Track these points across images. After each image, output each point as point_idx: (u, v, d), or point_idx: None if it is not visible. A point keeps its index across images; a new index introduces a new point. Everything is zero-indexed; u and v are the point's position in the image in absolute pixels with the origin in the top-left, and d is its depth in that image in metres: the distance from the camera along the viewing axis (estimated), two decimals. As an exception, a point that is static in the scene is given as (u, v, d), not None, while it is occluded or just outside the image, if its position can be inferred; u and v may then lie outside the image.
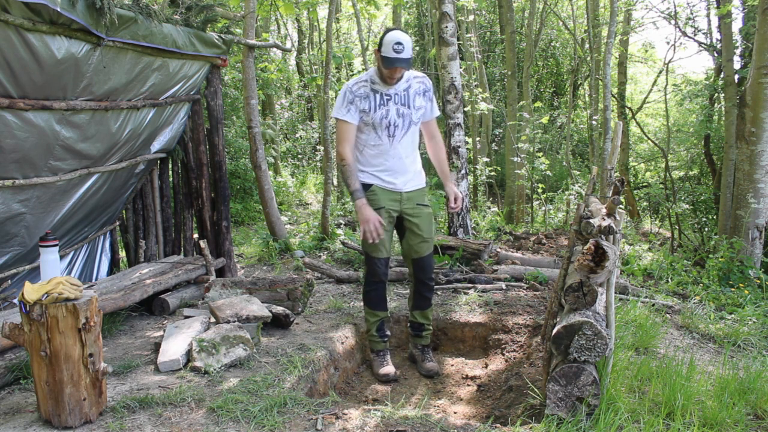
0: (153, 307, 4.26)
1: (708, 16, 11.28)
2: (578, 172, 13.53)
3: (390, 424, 2.40)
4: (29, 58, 2.95)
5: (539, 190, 10.88)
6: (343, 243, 6.46)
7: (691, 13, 11.12)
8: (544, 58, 17.59)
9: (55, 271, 3.31)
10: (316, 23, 15.90)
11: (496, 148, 15.45)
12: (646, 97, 13.43)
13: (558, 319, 2.56)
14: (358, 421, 2.43)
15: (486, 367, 3.64)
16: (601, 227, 2.37)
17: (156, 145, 4.70)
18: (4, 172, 3.30)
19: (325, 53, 7.82)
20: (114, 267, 5.11)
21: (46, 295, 2.32)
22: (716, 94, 10.78)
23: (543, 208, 10.84)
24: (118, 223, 5.09)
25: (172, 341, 3.25)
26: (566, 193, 10.59)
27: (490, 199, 12.84)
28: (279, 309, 3.78)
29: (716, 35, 10.59)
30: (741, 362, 3.18)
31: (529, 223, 10.75)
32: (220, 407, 2.54)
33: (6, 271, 3.87)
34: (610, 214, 2.47)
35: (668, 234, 10.88)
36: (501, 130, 14.49)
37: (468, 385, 3.44)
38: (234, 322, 3.36)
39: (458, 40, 8.00)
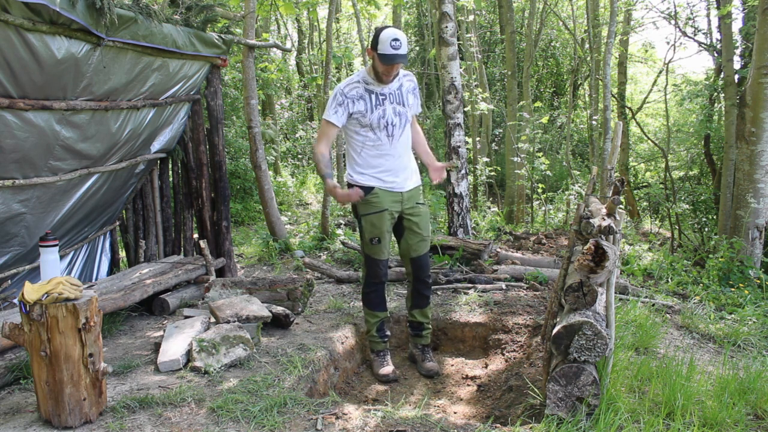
0: (153, 307, 4.26)
1: (708, 16, 11.30)
2: (578, 172, 13.53)
3: (390, 424, 2.40)
4: (29, 58, 2.95)
5: (539, 190, 10.88)
6: (343, 243, 6.46)
7: (691, 13, 11.13)
8: (544, 58, 17.59)
9: (55, 271, 3.31)
10: (316, 23, 15.92)
11: (496, 148, 15.45)
12: (646, 97, 13.43)
13: (558, 319, 2.56)
14: (358, 421, 2.43)
15: (486, 367, 3.64)
16: (601, 227, 2.37)
17: (156, 145, 4.70)
18: (4, 172, 3.30)
19: (325, 53, 7.83)
20: (114, 267, 5.11)
21: (46, 295, 2.32)
22: (716, 94, 10.78)
23: (543, 208, 10.84)
24: (118, 223, 5.09)
25: (172, 341, 3.25)
26: (566, 193, 10.59)
27: (490, 199, 12.84)
28: (279, 309, 3.78)
29: (716, 35, 10.60)
30: (741, 362, 3.18)
31: (529, 223, 10.75)
32: (220, 407, 2.54)
33: (6, 271, 3.87)
34: (610, 214, 2.47)
35: (668, 234, 10.88)
36: (501, 130, 14.50)
37: (468, 385, 3.44)
38: (234, 322, 3.36)
39: (458, 40, 8.00)
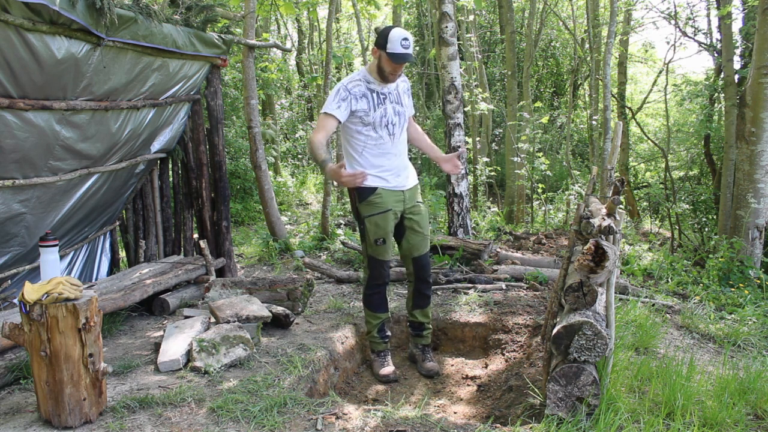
0: (153, 307, 4.26)
1: (708, 16, 11.30)
2: (578, 172, 13.53)
3: (390, 424, 2.40)
4: (29, 58, 2.95)
5: (539, 190, 10.88)
6: (343, 243, 6.46)
7: (691, 13, 11.13)
8: (544, 58, 17.59)
9: (55, 271, 3.31)
10: (316, 23, 15.92)
11: (496, 148, 15.45)
12: (646, 97, 13.43)
13: (558, 319, 2.56)
14: (358, 421, 2.43)
15: (486, 367, 3.64)
16: (601, 227, 2.37)
17: (156, 145, 4.70)
18: (4, 172, 3.30)
19: (325, 53, 7.83)
20: (114, 267, 5.11)
21: (46, 295, 2.32)
22: (716, 94, 10.78)
23: (543, 208, 10.84)
24: (118, 223, 5.09)
25: (172, 341, 3.25)
26: (566, 193, 10.59)
27: (490, 199, 12.84)
28: (279, 309, 3.78)
29: (716, 35, 10.60)
30: (741, 362, 3.18)
31: (529, 223, 10.74)
32: (220, 407, 2.54)
33: (6, 271, 3.87)
34: (610, 214, 2.47)
35: (668, 234, 10.88)
36: (501, 130, 14.50)
37: (468, 385, 3.44)
38: (234, 322, 3.36)
39: (458, 40, 8.00)
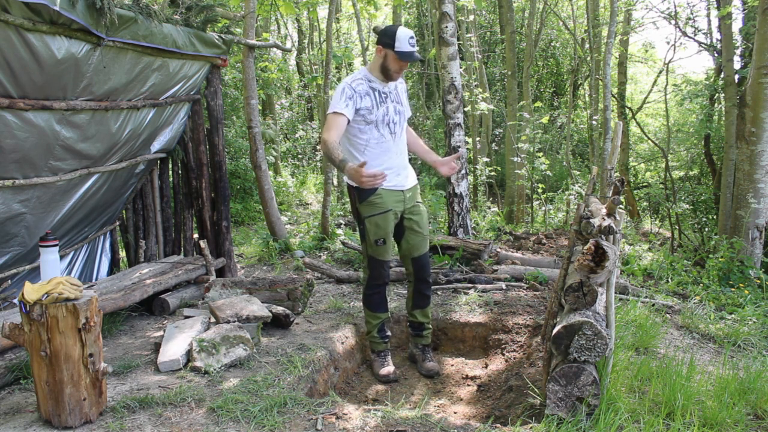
0: (153, 307, 4.26)
1: (708, 16, 11.30)
2: (578, 172, 13.52)
3: (390, 424, 2.40)
4: (29, 58, 2.95)
5: (539, 190, 10.88)
6: (343, 243, 6.46)
7: (691, 13, 11.13)
8: (544, 58, 17.58)
9: (55, 271, 3.31)
10: (316, 23, 15.91)
11: (496, 148, 15.45)
12: (646, 97, 13.43)
13: (558, 319, 2.56)
14: (358, 421, 2.43)
15: (486, 367, 3.64)
16: (601, 227, 2.37)
17: (156, 145, 4.70)
18: (4, 172, 3.30)
19: (325, 53, 7.83)
20: (114, 267, 5.11)
21: (46, 295, 2.32)
22: (716, 94, 10.78)
23: (543, 208, 10.84)
24: (118, 223, 5.09)
25: (172, 341, 3.25)
26: (566, 193, 10.59)
27: (490, 199, 12.83)
28: (279, 309, 3.78)
29: (716, 35, 10.60)
30: (741, 362, 3.18)
31: (529, 223, 10.74)
32: (220, 407, 2.54)
33: (6, 271, 3.87)
34: (610, 214, 2.47)
35: (668, 234, 10.88)
36: (501, 130, 14.49)
37: (468, 385, 3.44)
38: (234, 322, 3.36)
39: (458, 40, 8.00)
